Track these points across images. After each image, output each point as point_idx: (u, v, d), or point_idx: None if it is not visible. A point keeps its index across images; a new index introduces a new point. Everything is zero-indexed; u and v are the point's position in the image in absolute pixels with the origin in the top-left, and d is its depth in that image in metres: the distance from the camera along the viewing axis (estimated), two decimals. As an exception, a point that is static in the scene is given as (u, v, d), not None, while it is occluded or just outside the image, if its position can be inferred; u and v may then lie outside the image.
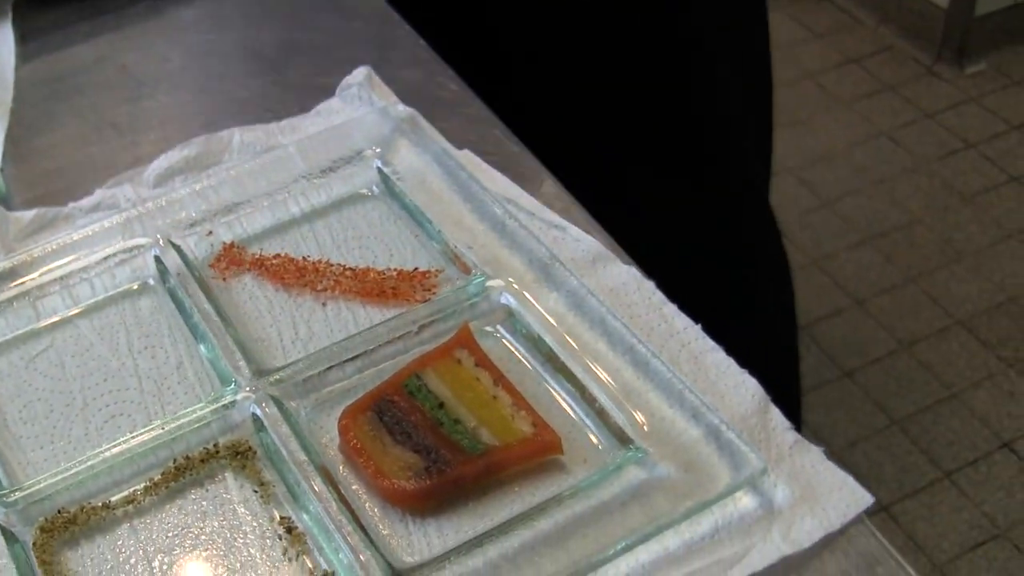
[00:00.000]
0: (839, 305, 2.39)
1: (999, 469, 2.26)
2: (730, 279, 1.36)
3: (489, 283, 0.79)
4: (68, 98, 1.00)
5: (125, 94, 1.00)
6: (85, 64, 1.04)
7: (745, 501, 0.67)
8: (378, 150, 0.89)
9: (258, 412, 0.72)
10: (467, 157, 0.89)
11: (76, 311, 0.81)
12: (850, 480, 0.68)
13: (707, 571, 0.64)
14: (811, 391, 2.20)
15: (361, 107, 0.95)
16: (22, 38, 1.04)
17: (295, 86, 1.01)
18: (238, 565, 0.67)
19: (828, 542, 0.66)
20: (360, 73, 0.96)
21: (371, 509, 0.69)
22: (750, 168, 1.35)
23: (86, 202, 0.89)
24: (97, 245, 0.83)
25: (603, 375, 0.72)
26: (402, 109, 0.92)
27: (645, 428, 0.69)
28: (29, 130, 0.98)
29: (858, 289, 2.41)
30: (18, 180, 0.93)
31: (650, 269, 0.81)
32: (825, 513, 0.66)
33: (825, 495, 0.67)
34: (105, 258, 0.83)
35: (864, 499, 0.67)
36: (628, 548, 0.65)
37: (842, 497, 0.67)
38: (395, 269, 0.82)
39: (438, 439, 0.70)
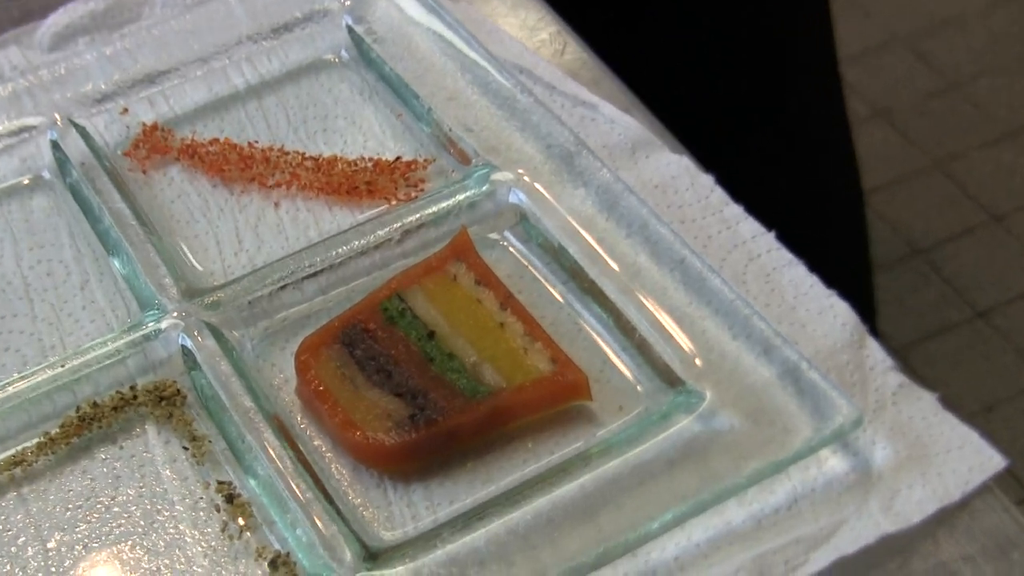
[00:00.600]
0: (970, 222, 2.35)
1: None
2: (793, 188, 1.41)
3: (494, 176, 0.81)
4: None
5: None
6: None
7: (833, 462, 0.68)
8: (348, 3, 0.91)
9: (189, 344, 0.74)
10: (467, 12, 0.91)
11: None
12: (974, 436, 0.69)
13: (782, 553, 0.65)
14: (932, 337, 2.19)
15: None
16: None
17: None
18: (162, 545, 0.69)
19: (944, 518, 0.67)
20: None
21: (339, 471, 0.71)
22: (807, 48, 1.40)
23: None
24: None
25: (644, 297, 0.73)
26: None
27: (699, 365, 0.71)
28: None
29: (995, 201, 2.37)
30: None
31: (705, 163, 0.82)
32: (940, 479, 0.67)
33: (940, 456, 0.68)
34: None
35: (993, 462, 0.68)
36: (677, 522, 0.66)
37: (963, 459, 0.68)
38: (371, 159, 0.85)
39: (427, 379, 0.72)
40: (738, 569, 0.65)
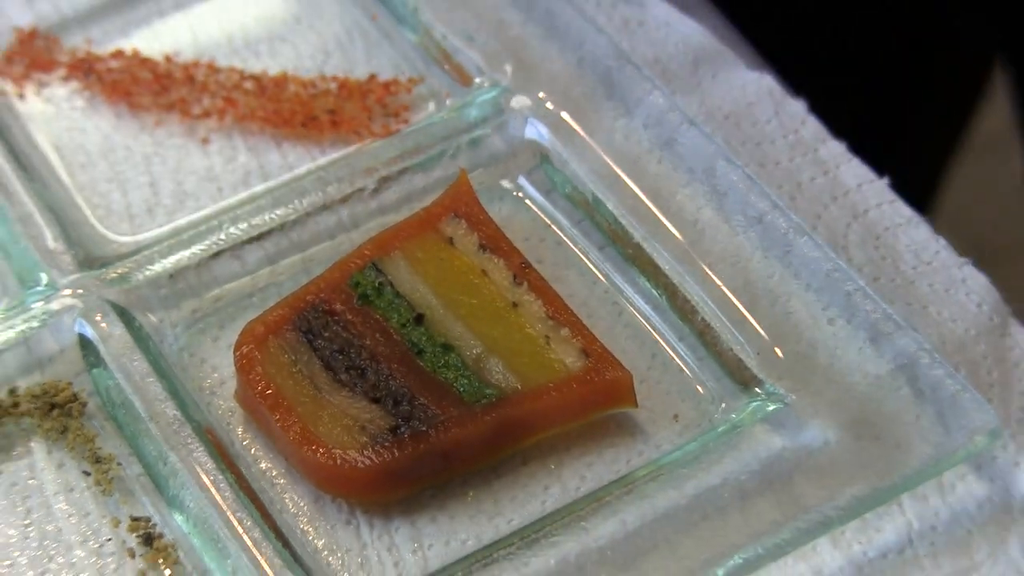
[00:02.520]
0: None
1: None
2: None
3: (505, 102, 0.86)
4: None
5: None
6: None
7: (962, 489, 0.75)
8: None
9: (88, 333, 0.80)
10: None
11: None
12: None
13: None
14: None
15: None
16: None
17: None
18: None
19: None
20: None
21: (294, 502, 0.77)
22: None
23: None
24: None
25: (709, 268, 0.79)
26: None
27: (783, 360, 0.77)
28: None
29: None
30: None
31: (796, 85, 0.88)
32: None
33: None
34: None
35: None
36: (750, 568, 0.72)
37: None
38: (335, 78, 0.90)
39: (414, 379, 0.77)
40: None
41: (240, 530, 0.74)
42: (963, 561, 0.73)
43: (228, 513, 0.74)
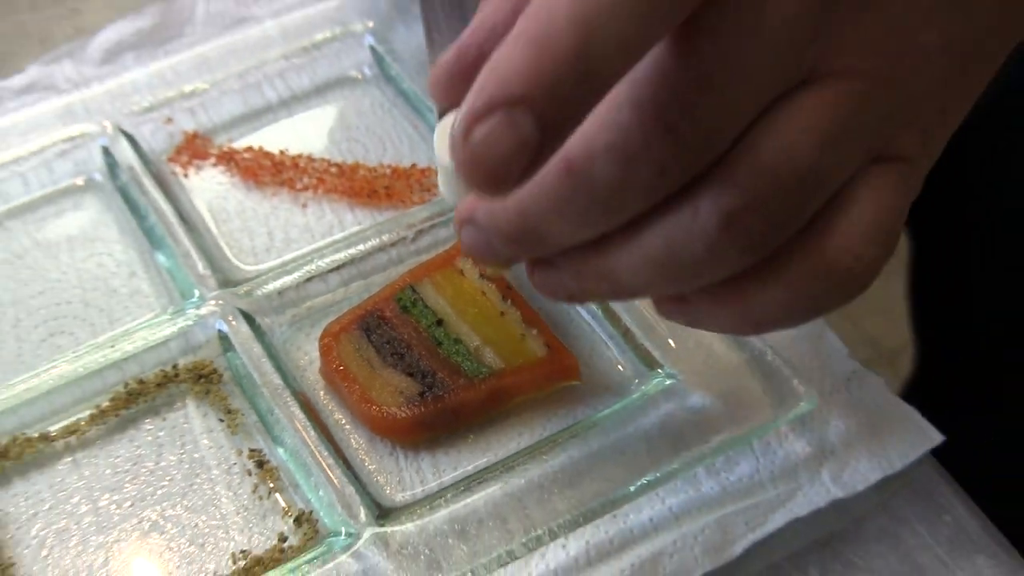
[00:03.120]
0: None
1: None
2: None
3: None
4: None
5: None
6: None
7: (791, 438, 0.76)
8: (371, 25, 0.97)
9: (225, 329, 0.81)
10: None
11: (5, 211, 0.90)
12: (915, 415, 0.76)
13: (744, 515, 0.73)
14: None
15: None
16: None
17: None
18: (200, 504, 0.76)
19: (887, 485, 0.75)
20: None
21: (356, 441, 0.78)
22: None
23: (17, 81, 0.98)
24: (31, 133, 0.92)
25: None
26: None
27: (676, 351, 0.78)
28: None
29: None
30: None
31: None
32: (884, 453, 0.75)
33: (885, 432, 0.76)
34: (41, 149, 0.91)
35: (931, 437, 0.76)
36: (652, 486, 0.73)
37: (905, 435, 0.76)
38: (389, 165, 0.90)
39: (435, 361, 0.78)
40: (704, 528, 0.72)
41: (319, 459, 0.74)
42: (792, 483, 0.74)
43: (312, 447, 0.75)
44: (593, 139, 0.50)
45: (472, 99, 0.49)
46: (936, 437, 0.76)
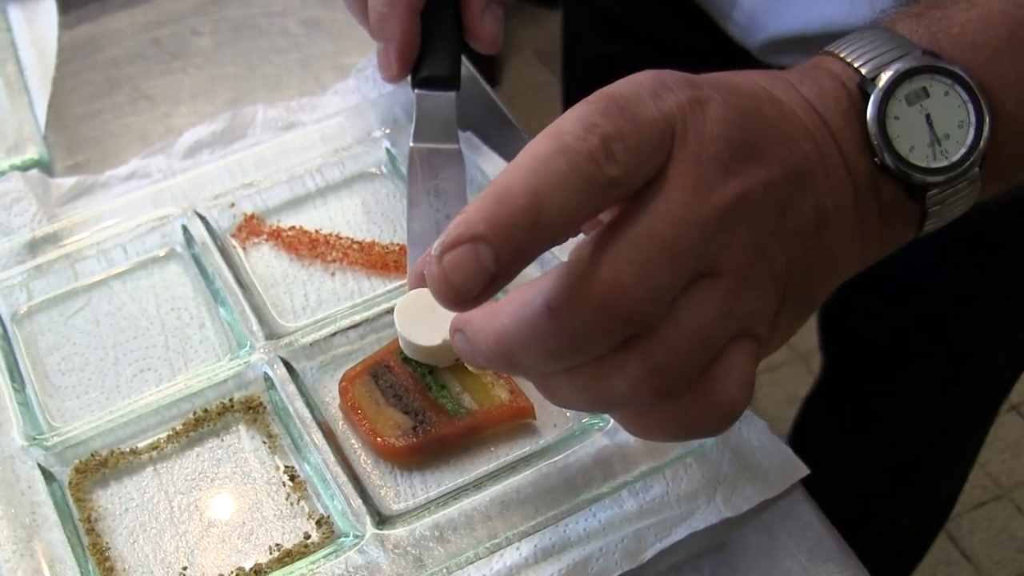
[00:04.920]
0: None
1: (1005, 431, 2.34)
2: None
3: None
4: (105, 69, 1.10)
5: (159, 67, 1.10)
6: (121, 36, 1.13)
7: (695, 467, 0.76)
8: (387, 131, 0.97)
9: (269, 372, 0.82)
10: (468, 139, 0.96)
11: (110, 273, 0.91)
12: (789, 452, 0.78)
13: (655, 528, 0.74)
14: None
15: (374, 88, 1.03)
16: (62, 7, 1.13)
17: (315, 64, 1.10)
18: (247, 506, 0.77)
19: (765, 506, 0.76)
20: (375, 56, 1.03)
21: (365, 462, 0.79)
22: None
23: (122, 170, 0.99)
24: (130, 213, 0.92)
25: None
26: (411, 93, 0.98)
27: None
28: (70, 99, 1.07)
29: None
30: (58, 147, 1.03)
31: None
32: (765, 481, 0.76)
33: (765, 465, 0.77)
34: (137, 226, 0.92)
35: (800, 470, 0.77)
36: (587, 504, 0.74)
37: (781, 467, 0.77)
38: (398, 244, 0.90)
39: (426, 402, 0.79)
40: (623, 538, 0.73)
41: (336, 473, 0.76)
42: (692, 504, 0.75)
43: (330, 466, 0.76)
44: (573, 289, 0.54)
45: (445, 234, 0.52)
46: (804, 470, 0.77)
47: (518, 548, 0.74)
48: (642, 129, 0.55)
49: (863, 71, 0.63)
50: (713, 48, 1.14)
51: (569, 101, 1.44)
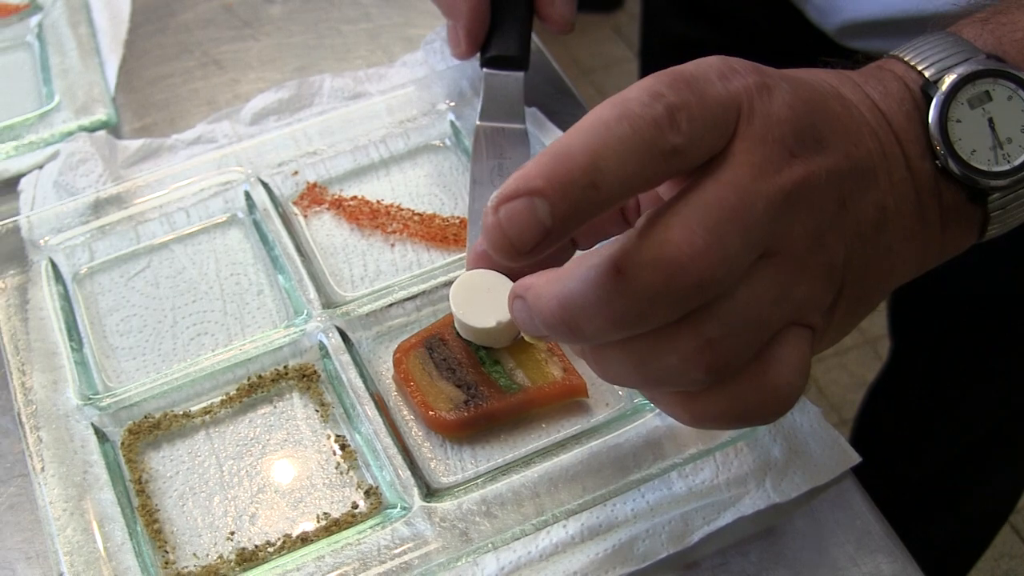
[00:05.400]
0: None
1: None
2: None
3: None
4: (176, 34, 1.12)
5: (230, 34, 1.12)
6: (193, 1, 1.15)
7: (745, 452, 0.77)
8: (452, 104, 0.98)
9: (324, 340, 0.83)
10: (533, 115, 0.97)
11: (172, 236, 0.92)
12: (841, 440, 0.78)
13: (703, 511, 0.75)
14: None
15: (441, 61, 1.04)
16: None
17: (384, 35, 1.11)
18: (296, 474, 0.78)
19: (814, 493, 0.76)
20: (444, 29, 1.05)
21: (416, 434, 0.80)
22: None
23: (188, 135, 1.00)
24: (195, 177, 0.94)
25: None
26: (478, 66, 1.00)
27: None
28: (140, 63, 1.09)
29: None
30: (128, 109, 1.05)
31: None
32: (816, 468, 0.76)
33: (817, 452, 0.77)
34: (201, 190, 0.93)
35: (852, 457, 0.77)
36: (636, 484, 0.75)
37: (832, 455, 0.77)
38: (458, 217, 0.91)
39: (479, 376, 0.80)
40: (671, 520, 0.74)
41: (386, 444, 0.77)
42: (741, 488, 0.75)
43: (381, 436, 0.77)
44: (644, 252, 0.54)
45: (505, 186, 0.53)
46: (855, 457, 0.77)
47: (564, 526, 0.74)
48: (707, 104, 0.56)
49: (926, 74, 0.64)
50: (790, 30, 1.15)
51: None
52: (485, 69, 0.93)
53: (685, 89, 0.55)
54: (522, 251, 0.54)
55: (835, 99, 0.62)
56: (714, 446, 0.76)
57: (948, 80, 0.63)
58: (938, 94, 0.63)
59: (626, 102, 0.55)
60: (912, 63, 0.65)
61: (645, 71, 1.51)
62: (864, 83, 0.64)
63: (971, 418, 1.43)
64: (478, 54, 0.94)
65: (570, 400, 0.80)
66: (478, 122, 0.91)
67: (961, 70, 0.63)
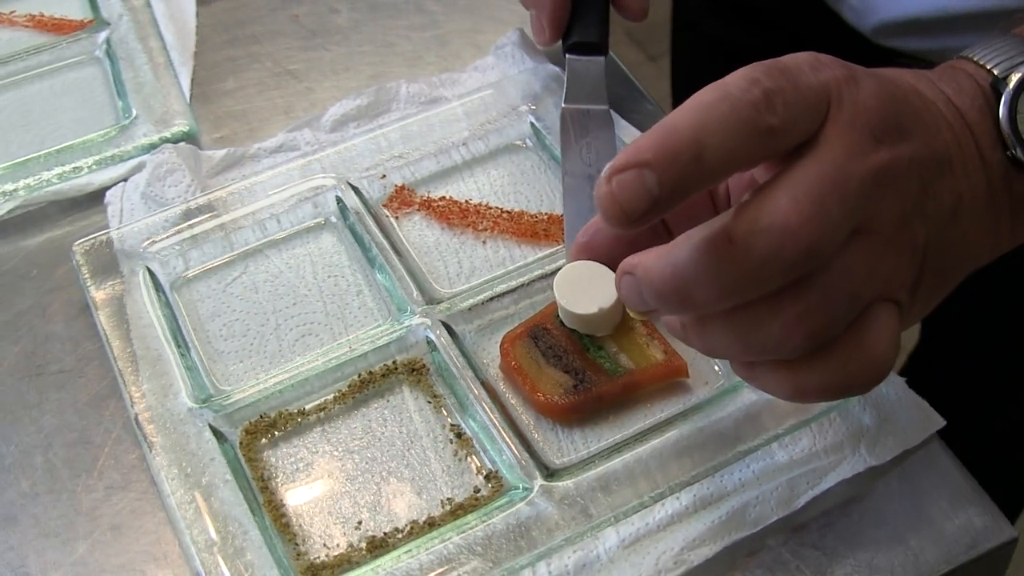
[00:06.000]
0: None
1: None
2: None
3: None
4: (246, 46, 1.16)
5: (299, 44, 1.16)
6: (259, 13, 1.20)
7: (839, 421, 0.82)
8: (532, 107, 1.03)
9: (431, 335, 0.87)
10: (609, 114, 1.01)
11: (265, 242, 0.96)
12: (925, 405, 0.84)
13: (806, 477, 0.80)
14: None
15: (513, 65, 1.09)
16: None
17: (453, 42, 1.16)
18: (415, 463, 0.82)
19: (905, 456, 0.82)
20: (514, 34, 1.10)
21: (527, 419, 0.84)
22: None
23: (270, 143, 1.04)
24: (282, 184, 0.98)
25: None
26: (551, 68, 1.05)
27: None
28: (212, 74, 1.14)
29: None
30: (205, 120, 1.09)
31: None
32: (904, 432, 0.82)
33: (904, 418, 0.83)
34: (291, 196, 0.97)
35: (937, 421, 0.83)
36: (741, 456, 0.80)
37: (919, 420, 0.83)
38: (546, 213, 0.96)
39: (584, 362, 0.84)
40: (777, 486, 0.79)
41: (502, 431, 0.81)
42: (839, 455, 0.81)
43: (496, 423, 0.82)
44: (754, 220, 0.61)
45: (616, 159, 0.61)
46: (940, 421, 0.83)
47: (678, 498, 0.79)
48: (801, 90, 0.63)
49: (995, 72, 0.71)
50: (825, 31, 1.20)
51: (677, 80, 1.49)
52: (568, 55, 0.99)
53: (780, 76, 0.62)
54: (632, 218, 0.61)
55: (914, 94, 0.68)
56: (810, 417, 0.81)
57: (1015, 77, 0.70)
58: (1006, 90, 0.70)
59: (726, 86, 0.61)
60: (981, 62, 0.72)
61: (677, 73, 1.55)
62: (939, 80, 0.72)
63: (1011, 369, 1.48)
64: (560, 42, 1.00)
65: (672, 381, 0.85)
66: (563, 105, 0.96)
67: None
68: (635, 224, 0.61)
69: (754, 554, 0.79)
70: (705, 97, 0.61)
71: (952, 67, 0.73)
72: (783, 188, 0.61)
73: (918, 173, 0.65)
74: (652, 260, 0.64)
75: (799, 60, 0.65)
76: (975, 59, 0.73)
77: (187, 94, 1.10)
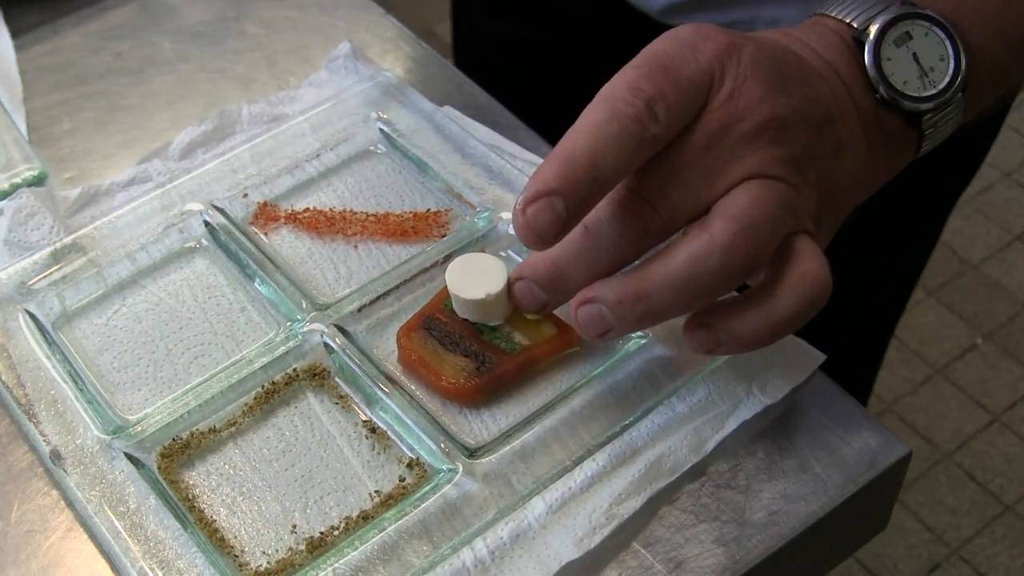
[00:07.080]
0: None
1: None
2: None
3: (493, 216, 0.95)
4: (75, 86, 1.16)
5: (128, 79, 1.16)
6: (81, 55, 1.19)
7: (729, 371, 0.87)
8: (382, 114, 1.05)
9: (327, 339, 0.89)
10: (449, 112, 1.06)
11: (137, 272, 0.96)
12: (805, 344, 0.89)
13: (709, 423, 0.85)
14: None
15: (347, 76, 1.11)
16: (13, 34, 1.19)
17: (281, 61, 1.17)
18: (335, 463, 0.84)
19: (795, 392, 0.88)
20: (345, 46, 1.13)
21: (434, 406, 0.86)
22: None
23: (121, 177, 1.04)
24: (146, 215, 0.98)
25: None
26: (390, 75, 1.08)
27: None
28: (47, 118, 1.13)
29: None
30: (49, 163, 1.08)
31: None
32: (791, 370, 0.88)
33: (790, 358, 0.88)
34: (156, 226, 0.98)
35: (818, 357, 0.89)
36: (645, 413, 0.85)
37: (802, 359, 0.89)
38: (411, 211, 0.98)
39: (481, 344, 0.87)
40: (685, 435, 0.84)
41: (411, 416, 0.84)
42: (735, 399, 0.86)
43: (403, 410, 0.85)
44: (600, 211, 0.72)
45: (527, 191, 0.71)
46: (820, 356, 0.89)
47: (595, 460, 0.83)
48: (682, 88, 0.71)
49: (854, 25, 0.79)
50: (609, 16, 1.26)
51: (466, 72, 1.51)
52: None
53: (662, 78, 0.70)
54: (547, 240, 0.72)
55: (790, 54, 0.76)
56: (702, 369, 0.86)
57: (874, 27, 0.78)
58: (868, 40, 0.78)
59: (614, 101, 0.70)
60: (840, 17, 0.80)
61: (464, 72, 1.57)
62: (808, 39, 0.79)
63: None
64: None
65: (567, 352, 0.89)
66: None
67: (883, 18, 0.79)
68: (550, 243, 0.72)
69: (675, 501, 0.83)
70: (596, 116, 0.69)
71: (815, 23, 0.80)
72: (661, 162, 0.72)
73: (801, 121, 0.73)
74: (619, 284, 0.75)
75: (680, 43, 0.72)
76: (834, 15, 0.80)
77: (26, 139, 1.09)
